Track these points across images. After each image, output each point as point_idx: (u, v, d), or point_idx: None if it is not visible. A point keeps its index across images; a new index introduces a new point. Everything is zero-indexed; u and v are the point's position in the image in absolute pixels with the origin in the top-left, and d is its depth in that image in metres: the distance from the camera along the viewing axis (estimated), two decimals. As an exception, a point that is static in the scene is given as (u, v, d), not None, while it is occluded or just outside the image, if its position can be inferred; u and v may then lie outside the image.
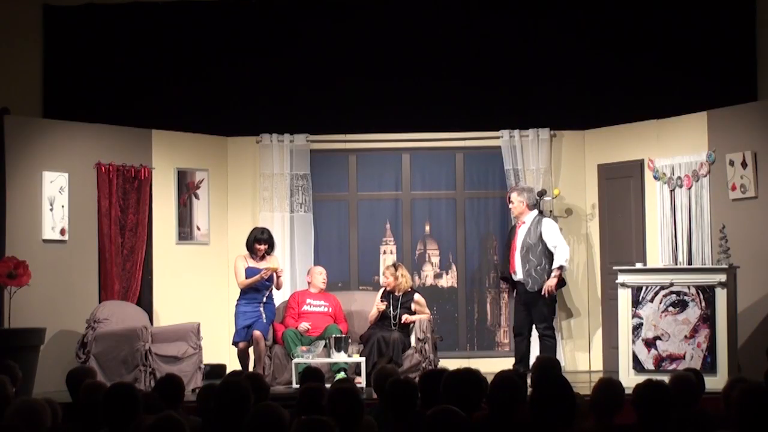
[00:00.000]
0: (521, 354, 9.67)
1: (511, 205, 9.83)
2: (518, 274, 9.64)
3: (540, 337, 9.63)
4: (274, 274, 9.74)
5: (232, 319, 9.83)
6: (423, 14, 11.04)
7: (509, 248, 9.80)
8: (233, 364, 9.90)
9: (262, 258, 9.78)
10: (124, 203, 10.28)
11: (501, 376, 5.04)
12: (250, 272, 9.68)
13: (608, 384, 5.15)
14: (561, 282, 9.65)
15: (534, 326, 9.68)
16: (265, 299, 9.77)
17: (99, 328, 9.46)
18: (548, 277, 9.50)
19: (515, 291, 9.90)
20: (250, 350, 9.73)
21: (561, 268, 9.50)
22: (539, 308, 9.58)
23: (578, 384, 9.21)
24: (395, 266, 10.10)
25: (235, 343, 9.68)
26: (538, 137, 10.99)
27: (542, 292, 9.48)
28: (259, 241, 9.77)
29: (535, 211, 9.80)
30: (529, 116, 10.99)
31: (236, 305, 9.79)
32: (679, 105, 10.31)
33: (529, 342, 9.69)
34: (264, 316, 9.71)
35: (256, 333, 9.60)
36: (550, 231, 9.60)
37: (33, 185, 9.70)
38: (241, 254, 9.87)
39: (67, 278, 9.85)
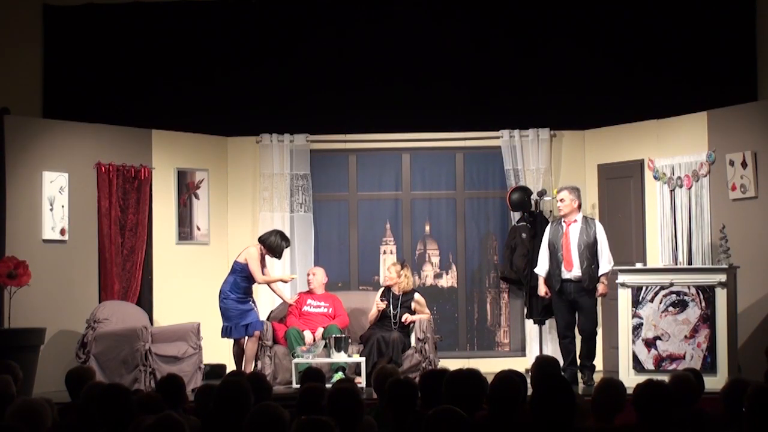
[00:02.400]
0: (572, 355, 9.48)
1: (561, 203, 9.53)
2: (575, 272, 9.42)
3: (588, 337, 9.44)
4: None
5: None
6: (423, 14, 11.04)
7: (561, 247, 9.47)
8: (233, 364, 9.89)
9: (263, 258, 9.82)
10: (124, 203, 10.28)
11: (501, 376, 5.04)
12: None
13: (610, 384, 5.15)
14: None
15: (578, 327, 9.50)
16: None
17: (99, 328, 9.46)
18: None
19: (553, 292, 9.56)
20: (223, 346, 9.73)
21: (606, 273, 9.42)
22: (590, 308, 9.46)
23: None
24: (402, 264, 10.09)
25: (236, 340, 9.63)
26: (538, 137, 10.99)
27: (596, 295, 9.44)
28: (288, 246, 9.90)
29: (581, 212, 9.62)
30: (529, 116, 10.99)
31: (227, 299, 9.61)
32: (679, 105, 10.31)
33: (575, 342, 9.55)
34: (258, 314, 9.78)
35: (257, 333, 9.62)
36: (603, 236, 9.48)
37: (33, 185, 9.70)
38: (254, 246, 9.79)
39: (67, 278, 9.86)
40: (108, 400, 4.82)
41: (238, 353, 9.69)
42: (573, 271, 9.45)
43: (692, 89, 10.47)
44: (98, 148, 10.18)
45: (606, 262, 9.43)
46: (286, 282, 10.11)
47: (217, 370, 10.00)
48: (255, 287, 9.94)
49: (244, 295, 9.67)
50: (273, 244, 9.74)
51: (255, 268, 9.63)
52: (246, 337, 9.64)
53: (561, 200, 9.56)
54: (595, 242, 9.43)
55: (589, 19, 10.90)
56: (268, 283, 9.94)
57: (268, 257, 9.91)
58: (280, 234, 9.87)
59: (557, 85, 10.90)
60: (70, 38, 10.81)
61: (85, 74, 10.80)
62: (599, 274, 9.42)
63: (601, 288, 9.44)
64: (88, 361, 9.21)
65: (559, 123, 11.04)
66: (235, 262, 9.75)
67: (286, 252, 10.83)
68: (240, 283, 9.66)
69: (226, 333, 9.64)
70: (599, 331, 10.77)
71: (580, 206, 9.59)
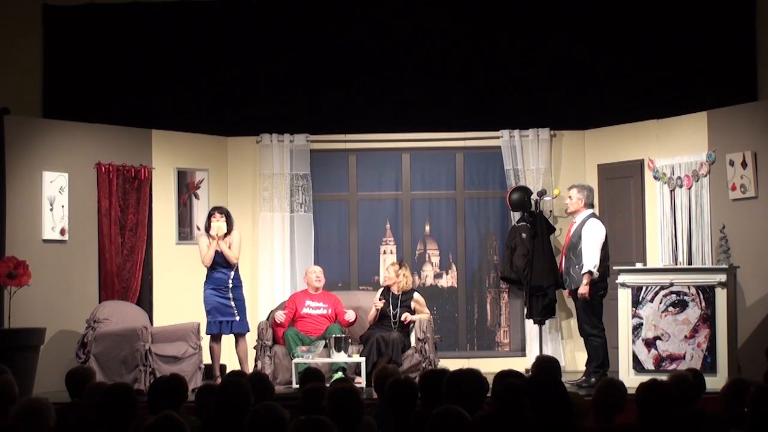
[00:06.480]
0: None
1: (568, 201, 9.44)
2: (564, 273, 9.40)
3: (584, 339, 9.29)
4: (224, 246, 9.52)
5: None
6: (423, 14, 11.04)
7: (562, 246, 9.51)
8: (233, 364, 9.89)
9: (223, 238, 9.57)
10: (124, 203, 10.29)
11: (501, 375, 5.05)
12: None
13: (610, 384, 5.15)
14: (600, 288, 9.20)
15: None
16: (231, 284, 9.55)
17: (99, 328, 9.46)
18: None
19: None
20: (222, 345, 9.65)
21: (590, 273, 9.02)
22: (578, 310, 9.30)
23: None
24: (401, 264, 10.09)
25: (216, 337, 9.51)
26: (538, 137, 10.99)
27: (578, 296, 9.16)
28: (212, 214, 9.60)
29: (589, 211, 9.34)
30: (529, 116, 10.99)
31: (204, 292, 9.52)
32: (679, 105, 10.31)
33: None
34: (236, 311, 9.52)
35: (239, 337, 9.54)
36: (589, 234, 9.14)
37: (33, 185, 9.71)
38: (205, 234, 9.67)
39: (67, 278, 9.86)
40: (113, 399, 4.82)
41: (214, 351, 9.55)
42: (562, 272, 9.46)
43: (692, 89, 10.47)
44: (98, 148, 10.18)
45: (586, 262, 9.07)
46: (218, 238, 9.52)
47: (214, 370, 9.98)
48: (247, 281, 9.82)
49: (218, 284, 9.51)
50: (205, 221, 9.72)
51: (201, 250, 9.53)
52: (235, 340, 9.59)
53: (568, 198, 9.52)
54: (579, 241, 9.20)
55: (589, 19, 10.90)
56: (210, 257, 9.51)
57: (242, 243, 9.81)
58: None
59: (557, 85, 10.90)
60: (70, 38, 10.81)
61: (85, 74, 10.79)
62: (582, 273, 9.10)
63: (580, 289, 9.10)
64: (88, 361, 9.21)
65: (559, 123, 11.04)
66: None
67: (286, 251, 10.85)
68: (209, 274, 9.54)
69: (209, 329, 9.52)
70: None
71: (587, 205, 9.34)
